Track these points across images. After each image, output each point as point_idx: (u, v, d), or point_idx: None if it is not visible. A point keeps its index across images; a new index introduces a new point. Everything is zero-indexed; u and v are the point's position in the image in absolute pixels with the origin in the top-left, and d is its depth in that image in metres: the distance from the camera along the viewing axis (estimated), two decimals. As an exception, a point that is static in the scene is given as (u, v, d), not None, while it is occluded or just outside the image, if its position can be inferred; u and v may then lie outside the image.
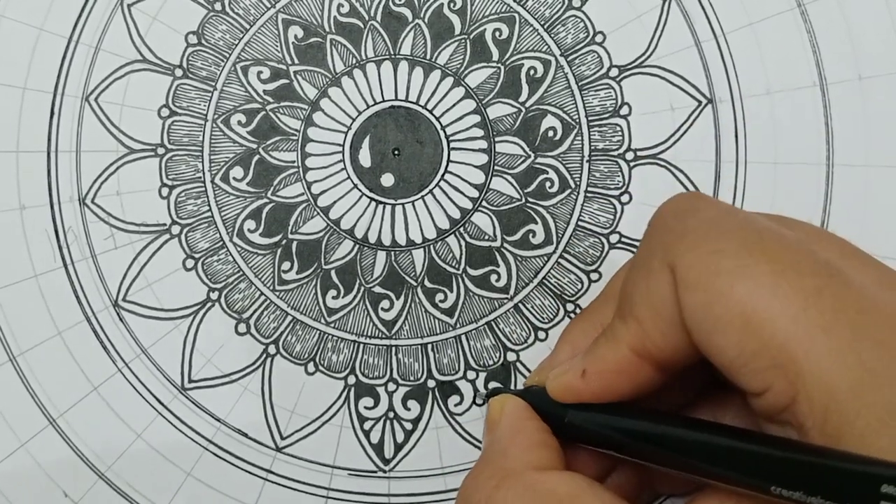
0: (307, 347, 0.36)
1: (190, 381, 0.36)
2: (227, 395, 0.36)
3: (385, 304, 0.36)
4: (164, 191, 0.36)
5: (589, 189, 0.36)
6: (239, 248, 0.36)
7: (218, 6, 0.36)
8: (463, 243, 0.36)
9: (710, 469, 0.23)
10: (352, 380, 0.36)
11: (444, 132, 0.36)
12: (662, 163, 0.36)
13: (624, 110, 0.36)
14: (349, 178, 0.36)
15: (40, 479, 0.35)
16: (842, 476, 0.20)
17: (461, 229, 0.36)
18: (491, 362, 0.36)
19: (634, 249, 0.36)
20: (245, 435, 0.36)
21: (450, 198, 0.36)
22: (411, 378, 0.36)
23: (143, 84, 0.36)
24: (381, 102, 0.36)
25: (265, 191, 0.36)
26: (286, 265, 0.36)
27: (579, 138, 0.36)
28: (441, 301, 0.36)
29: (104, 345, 0.36)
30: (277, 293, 0.36)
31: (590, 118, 0.36)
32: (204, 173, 0.36)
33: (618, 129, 0.36)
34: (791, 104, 0.36)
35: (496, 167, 0.36)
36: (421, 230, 0.36)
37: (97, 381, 0.35)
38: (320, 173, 0.36)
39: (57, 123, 0.36)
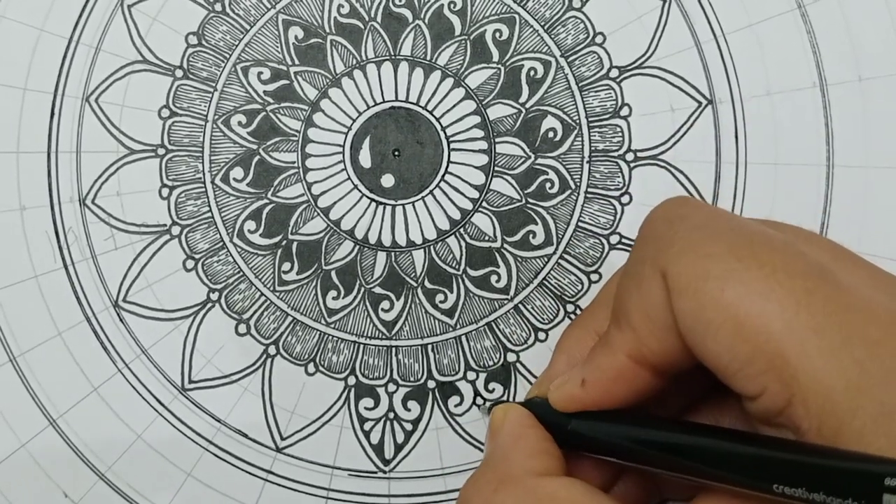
0: (307, 348, 0.36)
1: (190, 381, 0.36)
2: (227, 395, 0.36)
3: (385, 304, 0.36)
4: (165, 191, 0.36)
5: (589, 190, 0.36)
6: (239, 249, 0.36)
7: (218, 7, 0.36)
8: (463, 244, 0.36)
9: (713, 471, 0.23)
10: (352, 380, 0.36)
11: (445, 133, 0.36)
12: (662, 164, 0.36)
13: (624, 111, 0.36)
14: (349, 178, 0.36)
15: (40, 479, 0.35)
16: (844, 471, 0.20)
17: (461, 230, 0.36)
18: (491, 363, 0.36)
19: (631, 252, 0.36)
20: (245, 435, 0.36)
21: (450, 198, 0.36)
22: (411, 379, 0.36)
23: (143, 85, 0.36)
24: (381, 103, 0.36)
25: (265, 191, 0.36)
26: (286, 266, 0.36)
27: (579, 139, 0.36)
28: (441, 302, 0.36)
29: (104, 345, 0.36)
30: (278, 294, 0.36)
31: (590, 119, 0.36)
32: (204, 174, 0.36)
33: (618, 129, 0.36)
34: (791, 105, 0.36)
35: (496, 168, 0.36)
36: (421, 231, 0.36)
37: (97, 381, 0.35)
38: (320, 174, 0.36)
39: (57, 124, 0.36)
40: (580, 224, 0.36)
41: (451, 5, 0.36)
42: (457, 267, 0.36)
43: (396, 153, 0.36)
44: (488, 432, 0.28)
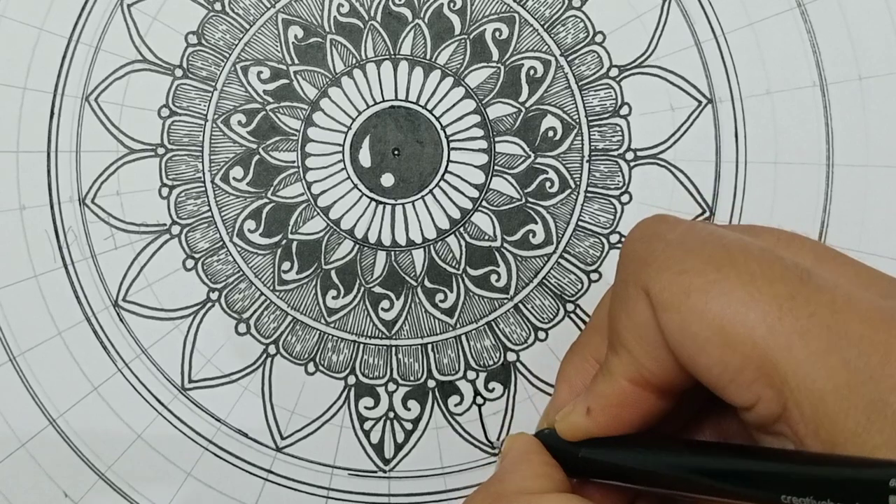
0: (307, 347, 0.36)
1: (190, 381, 0.36)
2: (227, 395, 0.36)
3: (385, 304, 0.36)
4: (164, 191, 0.36)
5: (589, 189, 0.36)
6: (239, 249, 0.36)
7: (218, 6, 0.36)
8: (463, 243, 0.36)
9: (722, 487, 0.23)
10: (352, 380, 0.36)
11: (444, 132, 0.36)
12: (662, 163, 0.36)
13: (624, 110, 0.36)
14: (349, 178, 0.36)
15: (40, 479, 0.35)
16: (849, 478, 0.20)
17: (461, 229, 0.36)
18: (491, 362, 0.36)
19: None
20: (245, 435, 0.36)
21: (450, 198, 0.36)
22: (411, 378, 0.36)
23: (143, 84, 0.36)
24: (381, 102, 0.36)
25: (265, 191, 0.36)
26: (286, 265, 0.36)
27: (579, 138, 0.36)
28: (441, 301, 0.36)
29: (104, 345, 0.36)
30: (277, 293, 0.36)
31: (590, 118, 0.36)
32: (204, 173, 0.36)
33: (618, 129, 0.36)
34: (791, 104, 0.36)
35: (496, 167, 0.36)
36: (421, 230, 0.36)
37: (97, 381, 0.35)
38: (320, 173, 0.36)
39: (57, 123, 0.36)
40: (580, 223, 0.36)
41: (451, 4, 0.36)
42: (457, 266, 0.36)
43: (396, 152, 0.36)
44: (497, 460, 0.29)
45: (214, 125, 0.36)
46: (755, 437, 0.24)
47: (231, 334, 0.36)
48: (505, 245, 0.36)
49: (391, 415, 0.36)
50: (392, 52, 0.36)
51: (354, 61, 0.36)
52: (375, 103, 0.36)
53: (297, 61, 0.36)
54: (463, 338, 0.36)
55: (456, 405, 0.36)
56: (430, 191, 0.36)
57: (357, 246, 0.36)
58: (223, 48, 0.36)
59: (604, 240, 0.36)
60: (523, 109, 0.36)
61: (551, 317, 0.36)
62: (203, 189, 0.36)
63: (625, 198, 0.36)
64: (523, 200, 0.36)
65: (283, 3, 0.36)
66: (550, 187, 0.36)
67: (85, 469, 0.35)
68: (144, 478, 0.35)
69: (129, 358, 0.36)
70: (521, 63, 0.36)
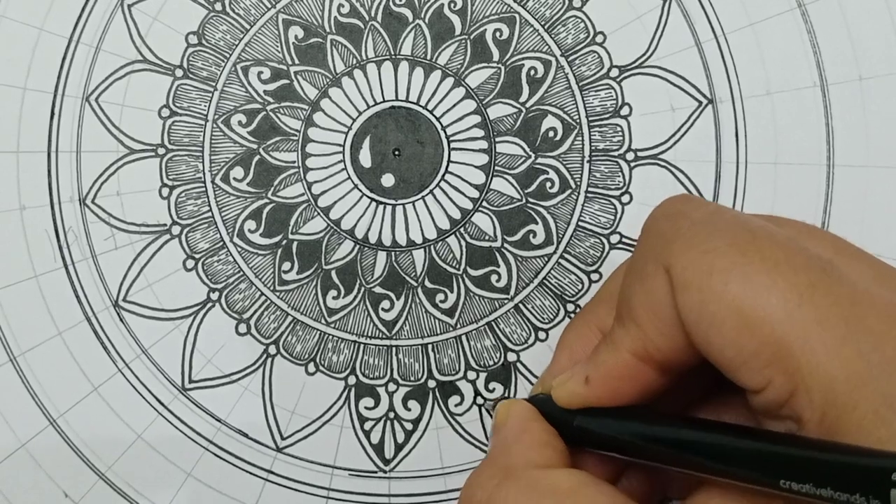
0: (307, 348, 0.36)
1: (190, 381, 0.36)
2: (227, 395, 0.36)
3: (385, 304, 0.36)
4: (165, 191, 0.36)
5: (589, 189, 0.36)
6: (239, 249, 0.36)
7: (218, 6, 0.36)
8: (463, 243, 0.36)
9: (719, 467, 0.23)
10: (352, 380, 0.36)
11: (445, 132, 0.36)
12: (663, 163, 0.36)
13: (624, 111, 0.36)
14: (349, 178, 0.36)
15: (40, 479, 0.35)
16: (851, 466, 0.20)
17: (461, 229, 0.36)
18: (491, 363, 0.36)
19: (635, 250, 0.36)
20: (245, 435, 0.36)
21: (450, 198, 0.36)
22: (412, 378, 0.36)
23: (143, 84, 0.36)
24: (381, 103, 0.36)
25: (265, 191, 0.36)
26: (286, 265, 0.36)
27: (580, 139, 0.36)
28: (441, 301, 0.36)
29: (104, 345, 0.36)
30: (278, 293, 0.36)
31: (590, 118, 0.36)
32: (204, 173, 0.36)
33: (618, 129, 0.36)
34: (791, 104, 0.36)
35: (496, 167, 0.36)
36: (421, 230, 0.36)
37: (97, 381, 0.35)
38: (321, 174, 0.36)
39: (57, 124, 0.36)
40: (580, 223, 0.36)
41: (452, 5, 0.36)
42: (457, 266, 0.36)
43: (397, 153, 0.36)
44: (492, 428, 0.29)
45: (215, 125, 0.36)
46: (759, 421, 0.24)
47: (231, 334, 0.36)
48: (505, 245, 0.36)
49: (391, 415, 0.36)
50: (392, 53, 0.36)
51: (355, 61, 0.36)
52: (376, 103, 0.36)
53: (297, 61, 0.36)
54: (463, 338, 0.36)
55: (456, 405, 0.36)
56: (431, 191, 0.36)
57: (357, 246, 0.36)
58: (224, 48, 0.36)
59: (604, 240, 0.36)
60: (524, 110, 0.36)
61: (552, 317, 0.36)
62: (203, 189, 0.36)
63: (625, 198, 0.36)
64: (524, 201, 0.36)
65: (284, 4, 0.36)
66: (551, 188, 0.36)
67: (85, 469, 0.35)
68: (144, 478, 0.35)
69: (129, 358, 0.36)
70: (521, 63, 0.36)
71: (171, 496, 0.35)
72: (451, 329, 0.36)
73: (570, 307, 0.36)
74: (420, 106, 0.36)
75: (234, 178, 0.36)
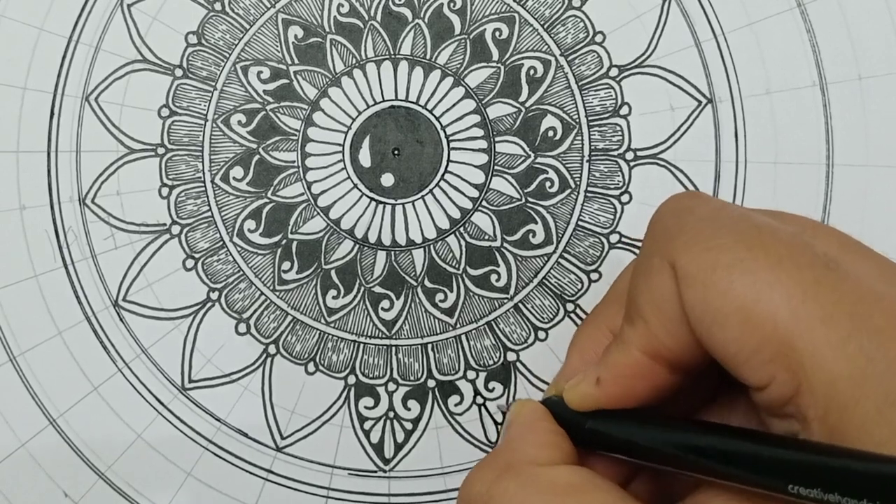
0: (307, 347, 0.36)
1: (190, 381, 0.36)
2: (227, 395, 0.36)
3: (385, 303, 0.36)
4: (164, 191, 0.36)
5: (589, 189, 0.36)
6: (239, 248, 0.36)
7: (218, 6, 0.36)
8: (463, 243, 0.36)
9: (728, 470, 0.23)
10: (352, 380, 0.36)
11: (444, 132, 0.36)
12: (662, 163, 0.36)
13: (624, 110, 0.36)
14: (349, 177, 0.36)
15: (40, 479, 0.35)
16: (860, 473, 0.20)
17: (461, 229, 0.36)
18: (491, 362, 0.36)
19: (634, 249, 0.36)
20: (245, 435, 0.36)
21: (450, 198, 0.36)
22: (411, 378, 0.36)
23: (143, 84, 0.36)
24: (381, 102, 0.36)
25: (265, 191, 0.36)
26: (286, 265, 0.36)
27: (579, 138, 0.36)
28: (441, 301, 0.36)
29: (104, 345, 0.36)
30: (277, 293, 0.36)
31: (590, 118, 0.36)
32: (204, 173, 0.36)
33: (618, 128, 0.36)
34: (791, 104, 0.36)
35: (496, 167, 0.36)
36: (421, 230, 0.36)
37: (97, 381, 0.35)
38: (320, 173, 0.36)
39: (57, 123, 0.36)
40: (580, 223, 0.36)
41: (451, 4, 0.36)
42: (457, 266, 0.36)
43: (396, 152, 0.36)
44: (503, 427, 0.29)
45: (214, 125, 0.36)
46: (762, 418, 0.24)
47: (231, 334, 0.36)
48: (505, 245, 0.36)
49: (391, 414, 0.36)
50: (392, 52, 0.36)
51: (354, 61, 0.36)
52: (375, 103, 0.36)
53: (297, 61, 0.36)
54: (463, 338, 0.36)
55: (456, 405, 0.36)
56: (430, 191, 0.36)
57: (357, 246, 0.36)
58: (223, 48, 0.36)
59: (604, 240, 0.36)
60: (523, 109, 0.36)
61: (551, 316, 0.36)
62: (203, 189, 0.36)
63: (625, 198, 0.36)
64: (523, 200, 0.36)
65: (283, 3, 0.36)
66: (550, 187, 0.36)
67: (85, 469, 0.35)
68: (144, 478, 0.35)
69: (129, 358, 0.36)
70: (521, 63, 0.36)
71: (170, 496, 0.35)
72: (450, 329, 0.36)
73: (570, 307, 0.36)
74: (419, 105, 0.36)
75: (234, 178, 0.36)
